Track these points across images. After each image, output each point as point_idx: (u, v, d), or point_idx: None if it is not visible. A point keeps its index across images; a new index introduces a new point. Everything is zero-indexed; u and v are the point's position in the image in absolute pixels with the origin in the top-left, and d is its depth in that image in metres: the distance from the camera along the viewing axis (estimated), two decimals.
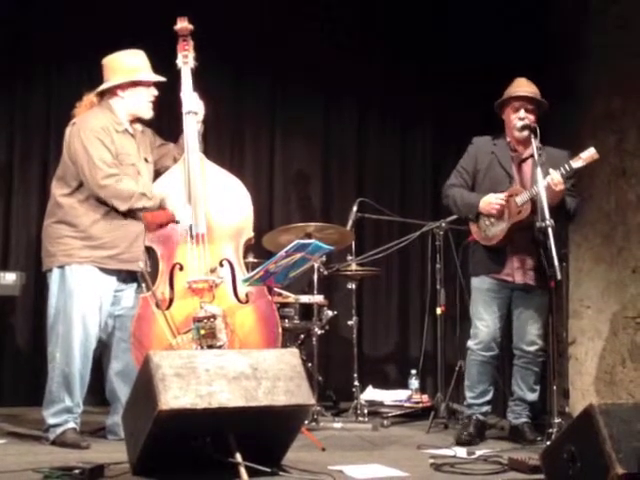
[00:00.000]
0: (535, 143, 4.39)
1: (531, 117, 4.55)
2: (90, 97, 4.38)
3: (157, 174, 4.57)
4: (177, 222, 4.35)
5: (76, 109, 4.38)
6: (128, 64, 4.32)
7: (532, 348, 4.60)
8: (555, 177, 4.32)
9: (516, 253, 4.54)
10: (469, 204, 4.61)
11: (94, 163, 4.17)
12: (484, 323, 4.59)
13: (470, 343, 4.65)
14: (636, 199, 5.30)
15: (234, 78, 6.20)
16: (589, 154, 4.37)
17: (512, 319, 4.68)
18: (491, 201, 4.51)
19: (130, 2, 5.71)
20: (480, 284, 4.63)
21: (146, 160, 4.44)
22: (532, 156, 4.54)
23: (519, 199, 4.45)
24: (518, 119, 4.56)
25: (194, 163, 4.45)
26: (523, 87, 4.62)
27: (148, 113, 4.41)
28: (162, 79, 4.41)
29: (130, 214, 4.28)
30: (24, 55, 5.71)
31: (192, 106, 4.52)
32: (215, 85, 5.58)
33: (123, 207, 4.21)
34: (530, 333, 4.59)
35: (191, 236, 4.35)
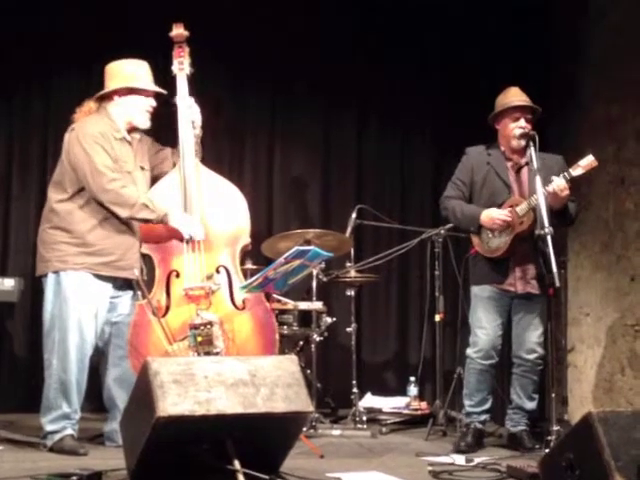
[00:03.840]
0: (533, 151, 4.39)
1: (529, 126, 4.56)
2: (89, 103, 4.39)
3: (156, 180, 4.56)
4: (187, 240, 4.32)
5: (75, 114, 4.38)
6: (127, 71, 4.32)
7: (532, 356, 4.59)
8: (560, 183, 4.32)
9: (518, 262, 4.53)
10: (470, 217, 4.59)
11: (97, 169, 4.16)
12: (484, 331, 4.58)
13: (469, 351, 4.64)
14: (634, 207, 5.30)
15: (233, 83, 6.20)
16: (588, 162, 4.37)
17: (511, 326, 4.67)
18: (494, 216, 4.49)
19: (130, 7, 5.72)
20: (480, 292, 4.62)
21: (142, 168, 4.44)
22: (527, 164, 4.55)
23: (519, 209, 4.45)
24: (519, 128, 4.55)
25: (189, 168, 4.44)
26: (519, 96, 4.62)
27: (145, 123, 4.40)
28: (162, 91, 4.41)
29: (128, 223, 4.27)
30: (23, 61, 5.71)
31: (187, 111, 4.50)
32: (214, 91, 5.60)
33: (124, 214, 4.21)
34: (530, 341, 4.58)
35: (187, 241, 4.34)
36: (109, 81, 4.35)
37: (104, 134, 4.25)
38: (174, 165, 4.54)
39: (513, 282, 4.55)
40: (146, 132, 4.51)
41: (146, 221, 4.27)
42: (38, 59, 5.73)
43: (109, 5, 5.73)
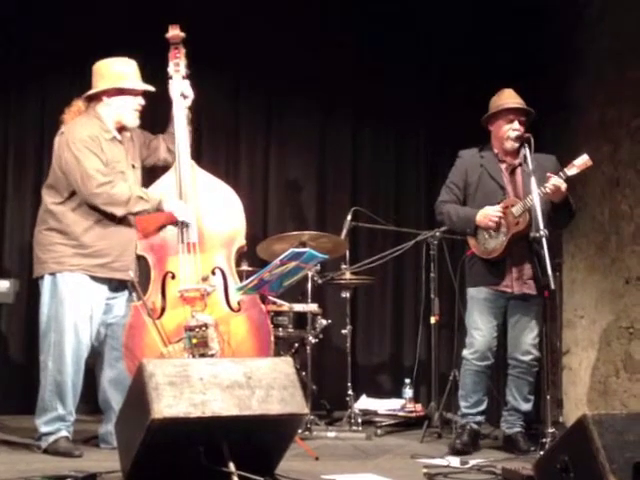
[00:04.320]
0: (529, 153, 4.40)
1: (522, 128, 4.57)
2: (78, 103, 4.37)
3: (154, 169, 4.56)
4: (179, 223, 4.33)
5: (65, 115, 4.36)
6: (115, 71, 4.31)
7: (527, 358, 4.59)
8: (557, 182, 4.33)
9: (514, 263, 4.53)
10: (466, 219, 4.60)
11: (87, 173, 4.15)
12: (480, 332, 4.58)
13: (465, 352, 4.64)
14: (629, 209, 5.31)
15: (230, 87, 6.21)
16: (582, 161, 4.38)
17: (507, 328, 4.68)
18: (488, 213, 4.50)
19: (126, 8, 5.72)
20: (477, 293, 4.62)
21: (133, 166, 4.43)
22: (521, 165, 4.56)
23: (515, 210, 4.45)
24: (512, 130, 4.56)
25: (185, 170, 4.42)
26: (513, 99, 4.63)
27: (134, 122, 4.39)
28: (150, 88, 4.39)
29: (123, 221, 4.27)
30: (19, 61, 5.71)
31: (182, 112, 4.49)
32: (211, 94, 5.59)
33: (120, 212, 4.21)
34: (525, 342, 4.59)
35: (182, 240, 4.34)
36: (97, 81, 4.33)
37: (93, 137, 4.23)
38: (168, 150, 4.53)
39: (509, 283, 4.55)
40: (139, 128, 4.50)
41: (143, 212, 4.26)
42: (33, 59, 5.72)
43: (105, 6, 5.73)
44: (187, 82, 4.52)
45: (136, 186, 4.36)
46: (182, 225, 4.34)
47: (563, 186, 4.37)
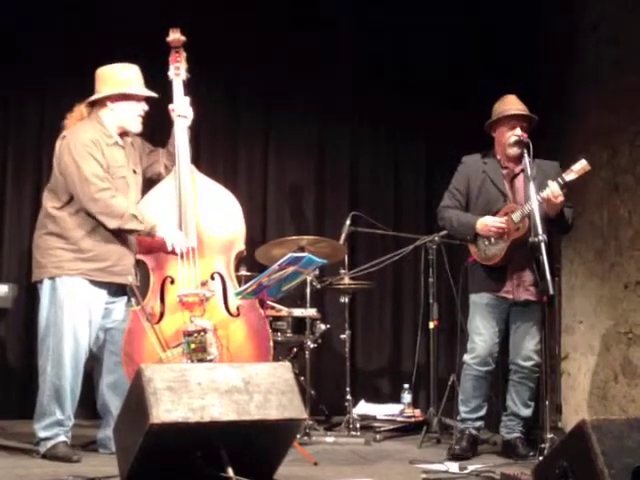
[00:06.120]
0: (528, 159, 4.41)
1: (524, 134, 4.57)
2: (80, 108, 4.37)
3: (149, 181, 4.56)
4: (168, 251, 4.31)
5: (66, 120, 4.36)
6: (120, 76, 4.31)
7: (528, 363, 4.59)
8: (555, 189, 4.33)
9: (515, 270, 4.54)
10: (466, 226, 4.60)
11: (86, 178, 4.15)
12: (482, 338, 4.58)
13: (466, 357, 4.64)
14: (628, 215, 5.31)
15: (228, 91, 6.21)
16: (581, 166, 4.38)
17: (509, 334, 4.67)
18: (488, 224, 4.51)
19: (126, 12, 5.72)
20: (479, 299, 4.62)
21: (134, 172, 4.43)
22: (523, 171, 4.56)
23: (515, 216, 4.45)
24: (514, 136, 4.56)
25: (185, 176, 4.42)
26: (516, 105, 4.63)
27: (137, 127, 4.39)
28: (153, 95, 4.39)
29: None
30: (18, 66, 5.71)
31: (183, 110, 4.50)
32: (209, 98, 5.60)
33: (112, 225, 4.19)
34: (527, 348, 4.59)
35: (181, 257, 4.33)
36: (101, 86, 4.33)
37: (95, 141, 4.23)
38: (165, 167, 4.54)
39: (510, 289, 4.55)
40: (140, 134, 4.50)
41: (134, 232, 4.26)
42: (33, 63, 5.72)
43: (105, 10, 5.74)
44: (187, 100, 4.51)
45: (137, 197, 4.36)
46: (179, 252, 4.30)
47: (560, 198, 4.36)
